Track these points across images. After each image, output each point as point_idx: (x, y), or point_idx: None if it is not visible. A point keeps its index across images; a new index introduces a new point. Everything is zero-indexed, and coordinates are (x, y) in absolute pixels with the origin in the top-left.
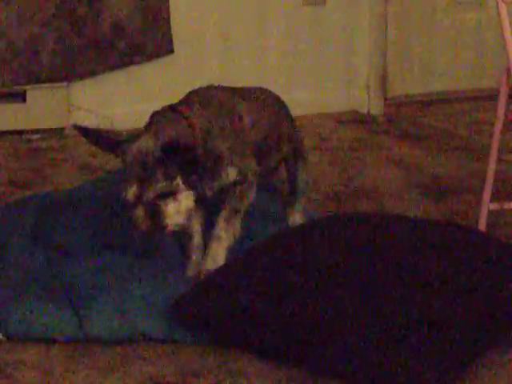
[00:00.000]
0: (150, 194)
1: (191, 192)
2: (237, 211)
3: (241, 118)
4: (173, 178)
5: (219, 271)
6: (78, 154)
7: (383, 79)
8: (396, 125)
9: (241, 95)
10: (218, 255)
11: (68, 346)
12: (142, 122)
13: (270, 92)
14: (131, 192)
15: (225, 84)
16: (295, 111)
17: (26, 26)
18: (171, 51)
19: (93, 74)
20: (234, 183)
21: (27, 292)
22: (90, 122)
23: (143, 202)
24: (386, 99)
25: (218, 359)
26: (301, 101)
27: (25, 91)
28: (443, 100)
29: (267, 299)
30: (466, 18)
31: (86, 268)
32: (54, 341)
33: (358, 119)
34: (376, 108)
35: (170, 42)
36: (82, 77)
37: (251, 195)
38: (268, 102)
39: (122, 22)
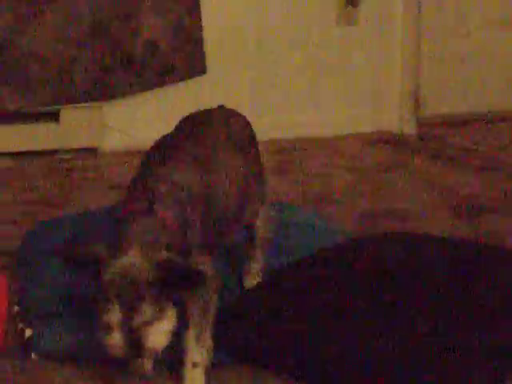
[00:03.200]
0: (138, 320)
1: (174, 308)
2: (203, 325)
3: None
4: (163, 300)
5: (249, 294)
6: (111, 174)
7: (416, 99)
8: (428, 145)
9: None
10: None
11: (99, 365)
12: None
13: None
14: (114, 316)
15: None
16: (327, 131)
17: (60, 46)
18: (204, 72)
19: (126, 94)
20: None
21: (58, 311)
22: (123, 142)
23: (127, 328)
24: (418, 119)
25: (254, 381)
26: (332, 121)
27: (58, 111)
28: (476, 120)
29: (299, 324)
30: (501, 37)
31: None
32: (86, 360)
33: (391, 139)
34: (408, 128)
35: (203, 62)
36: (115, 97)
37: (214, 307)
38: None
39: (156, 42)
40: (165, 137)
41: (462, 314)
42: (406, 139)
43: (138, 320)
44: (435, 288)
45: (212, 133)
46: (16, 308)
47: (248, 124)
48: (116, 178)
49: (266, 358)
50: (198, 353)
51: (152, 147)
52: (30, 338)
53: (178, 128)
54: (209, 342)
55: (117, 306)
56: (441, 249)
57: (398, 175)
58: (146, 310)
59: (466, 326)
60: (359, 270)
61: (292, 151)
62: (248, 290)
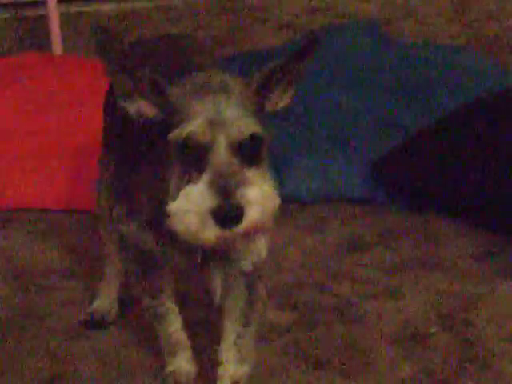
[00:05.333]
0: (235, 133)
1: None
2: (248, 330)
3: None
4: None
5: (418, 136)
6: (280, 13)
7: None
8: None
9: None
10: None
11: None
12: None
13: None
14: (202, 127)
15: None
16: None
17: None
18: None
19: None
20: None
21: None
22: None
23: (224, 149)
24: None
25: (417, 221)
26: None
27: None
28: None
29: (466, 163)
30: None
31: (287, 128)
32: None
33: None
34: None
35: None
36: None
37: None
38: None
39: None
40: None
41: None
42: None
43: (235, 132)
44: None
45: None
46: None
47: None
48: (284, 18)
49: (425, 199)
50: (239, 367)
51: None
52: None
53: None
54: (251, 351)
55: (204, 121)
56: None
57: None
58: (247, 120)
59: None
60: None
61: None
62: (415, 133)
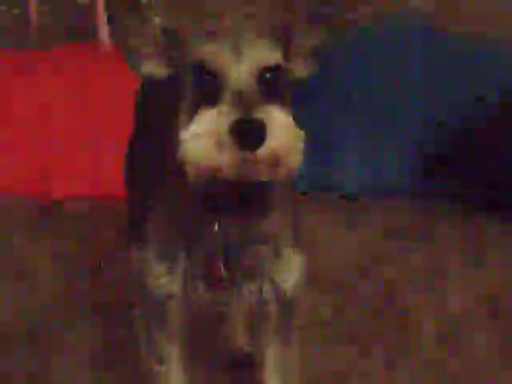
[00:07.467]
0: (259, 58)
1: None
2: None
3: None
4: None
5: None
6: None
7: None
8: None
9: None
10: None
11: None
12: None
13: None
14: (222, 48)
15: None
16: None
17: None
18: None
19: None
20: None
21: None
22: None
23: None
24: None
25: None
26: None
27: None
28: None
29: None
30: None
31: (337, 120)
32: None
33: None
34: None
35: None
36: None
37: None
38: None
39: None
40: None
41: None
42: None
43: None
44: None
45: None
46: None
47: None
48: None
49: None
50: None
51: None
52: None
53: None
54: (296, 370)
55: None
56: None
57: None
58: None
59: None
60: None
61: None
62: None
